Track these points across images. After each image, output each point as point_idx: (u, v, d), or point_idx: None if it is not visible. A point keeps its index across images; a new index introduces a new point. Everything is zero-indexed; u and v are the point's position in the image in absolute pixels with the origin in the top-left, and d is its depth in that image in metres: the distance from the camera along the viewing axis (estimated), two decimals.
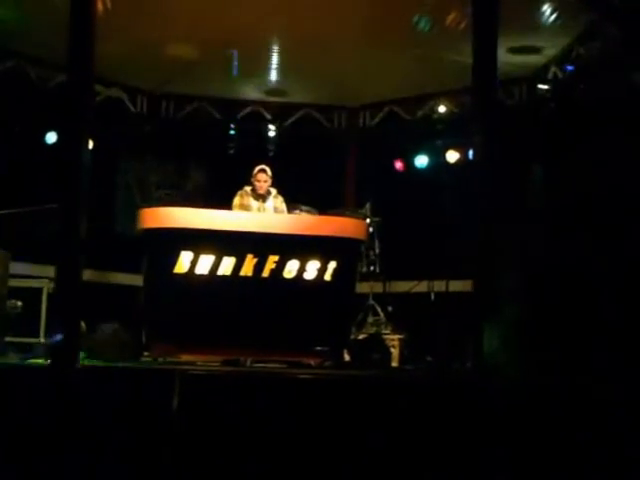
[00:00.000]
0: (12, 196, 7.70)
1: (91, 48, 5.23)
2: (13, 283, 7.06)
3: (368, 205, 8.40)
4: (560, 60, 8.22)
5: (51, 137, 8.95)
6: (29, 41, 8.13)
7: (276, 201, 7.17)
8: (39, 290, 7.36)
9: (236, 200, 7.14)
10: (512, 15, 6.13)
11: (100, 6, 6.13)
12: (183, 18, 7.58)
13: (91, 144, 5.30)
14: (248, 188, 7.17)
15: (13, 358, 6.04)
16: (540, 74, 8.62)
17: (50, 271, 5.28)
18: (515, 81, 8.94)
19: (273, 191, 7.19)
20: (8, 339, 6.65)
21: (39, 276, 7.49)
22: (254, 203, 7.13)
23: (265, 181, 7.12)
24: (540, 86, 8.63)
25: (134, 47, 8.12)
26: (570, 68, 8.09)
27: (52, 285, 6.06)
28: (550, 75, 8.44)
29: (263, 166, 7.18)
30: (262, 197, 7.13)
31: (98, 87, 8.45)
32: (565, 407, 4.47)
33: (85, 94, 5.24)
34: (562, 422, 4.43)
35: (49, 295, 7.26)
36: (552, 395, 4.53)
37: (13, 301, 6.99)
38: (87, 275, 5.30)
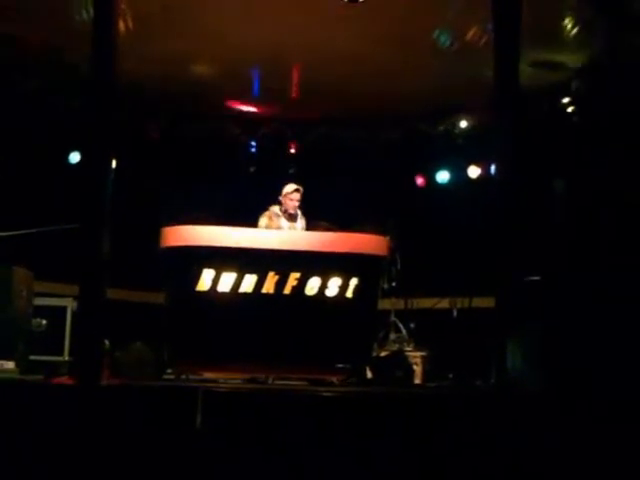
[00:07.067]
0: (35, 215, 7.76)
1: (113, 68, 5.28)
2: (38, 302, 7.13)
3: (389, 221, 8.37)
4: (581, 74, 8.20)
5: (74, 157, 9.05)
6: (52, 62, 8.23)
7: (302, 222, 7.06)
8: (63, 309, 7.39)
9: (262, 222, 6.95)
10: (533, 30, 6.13)
11: (122, 26, 6.21)
12: (204, 37, 7.66)
13: (114, 163, 5.34)
14: (276, 208, 7.02)
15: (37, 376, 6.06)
16: (562, 88, 8.61)
17: (74, 290, 5.30)
18: (537, 94, 8.91)
19: (298, 212, 7.08)
20: (33, 357, 6.69)
21: (63, 295, 7.52)
22: (285, 223, 6.99)
23: (298, 200, 7.02)
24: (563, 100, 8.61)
25: (154, 66, 8.20)
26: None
27: (76, 303, 6.07)
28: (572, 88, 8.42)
29: (297, 186, 7.06)
30: (293, 217, 7.02)
31: (121, 106, 8.51)
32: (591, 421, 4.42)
33: (107, 113, 5.29)
34: (586, 439, 4.38)
35: (73, 313, 7.28)
36: (575, 411, 4.48)
37: (38, 319, 7.04)
38: (110, 293, 5.31)
